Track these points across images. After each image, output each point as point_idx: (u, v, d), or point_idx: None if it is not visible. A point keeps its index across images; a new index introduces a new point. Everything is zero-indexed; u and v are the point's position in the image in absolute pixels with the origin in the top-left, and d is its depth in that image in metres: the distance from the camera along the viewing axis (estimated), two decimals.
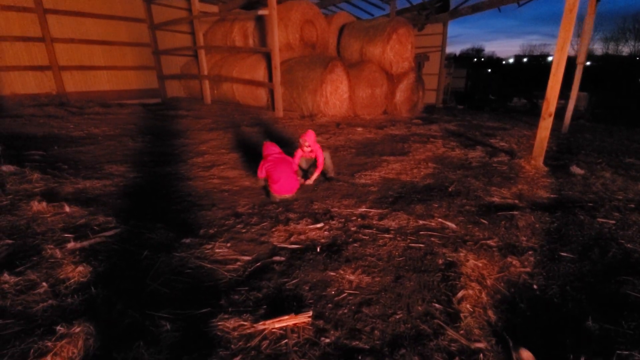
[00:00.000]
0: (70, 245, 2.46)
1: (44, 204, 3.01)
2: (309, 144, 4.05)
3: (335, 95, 9.58)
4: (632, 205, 3.73)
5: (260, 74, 10.05)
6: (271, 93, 9.70)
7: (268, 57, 9.51)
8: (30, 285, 2.02)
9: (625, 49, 36.06)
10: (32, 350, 1.55)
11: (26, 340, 1.61)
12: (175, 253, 2.50)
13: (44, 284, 2.03)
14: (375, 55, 10.71)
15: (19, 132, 5.78)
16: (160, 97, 12.00)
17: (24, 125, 6.33)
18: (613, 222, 3.30)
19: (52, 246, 2.42)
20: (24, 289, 1.99)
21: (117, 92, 10.69)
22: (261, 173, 3.68)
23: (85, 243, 2.51)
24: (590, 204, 3.73)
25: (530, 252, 2.69)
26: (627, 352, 1.69)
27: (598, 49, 38.73)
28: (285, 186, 3.57)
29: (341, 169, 4.92)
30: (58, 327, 1.66)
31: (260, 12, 8.59)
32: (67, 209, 3.01)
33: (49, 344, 1.58)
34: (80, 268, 2.18)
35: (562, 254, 2.69)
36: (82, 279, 2.11)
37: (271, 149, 3.80)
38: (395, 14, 15.13)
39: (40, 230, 2.67)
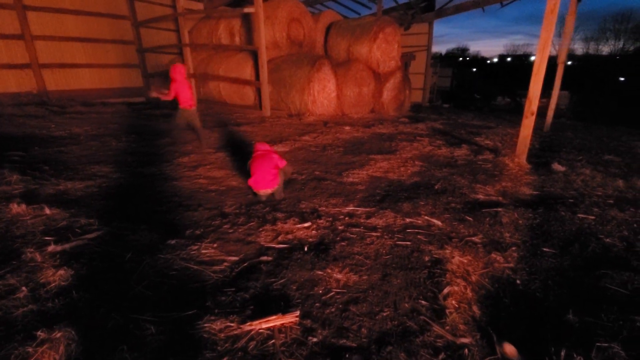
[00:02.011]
0: (51, 248, 2.40)
1: (24, 206, 2.93)
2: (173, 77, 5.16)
3: (322, 94, 9.59)
4: (611, 201, 3.85)
5: (247, 72, 9.97)
6: (258, 92, 9.64)
7: (255, 56, 9.44)
8: (9, 289, 1.96)
9: (605, 49, 37.02)
10: (12, 357, 1.51)
11: (6, 346, 1.57)
12: (160, 255, 2.46)
13: (24, 288, 1.97)
14: (363, 54, 10.76)
15: None
16: (145, 96, 11.78)
17: (3, 125, 6.13)
18: (593, 217, 3.39)
19: (32, 249, 2.35)
20: (3, 293, 1.93)
21: (100, 90, 10.46)
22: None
23: (67, 246, 2.45)
24: (571, 200, 3.83)
25: (513, 248, 2.75)
26: (606, 344, 1.75)
27: (579, 48, 39.67)
28: (259, 181, 3.52)
29: (329, 167, 4.93)
30: (38, 333, 1.62)
31: (247, 9, 8.51)
32: (47, 211, 2.93)
33: (30, 349, 1.54)
34: (61, 272, 2.13)
35: (544, 249, 2.76)
36: (63, 283, 2.06)
37: (258, 147, 3.78)
38: (382, 13, 15.21)
39: (20, 233, 2.59)
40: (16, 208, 2.89)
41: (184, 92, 5.26)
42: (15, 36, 8.40)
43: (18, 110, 7.39)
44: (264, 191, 3.60)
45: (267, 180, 3.55)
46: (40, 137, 5.59)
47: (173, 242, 2.63)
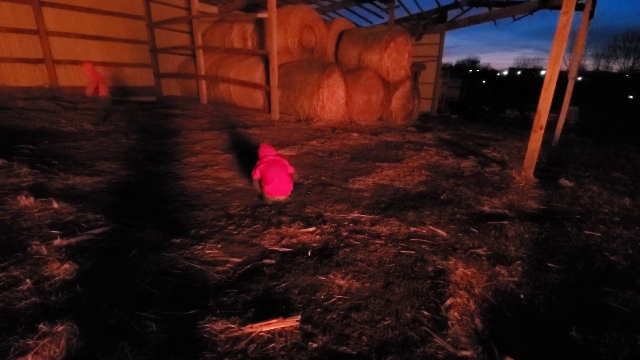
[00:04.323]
0: (57, 242, 2.42)
1: (32, 199, 2.96)
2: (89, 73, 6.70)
3: (331, 100, 9.63)
4: (617, 219, 3.80)
5: (258, 76, 10.06)
6: (268, 95, 9.71)
7: (266, 60, 9.53)
8: (13, 281, 1.98)
9: (615, 66, 36.99)
10: (12, 349, 1.51)
11: (7, 338, 1.57)
12: (165, 253, 2.47)
13: (28, 280, 1.99)
14: (373, 62, 10.81)
15: (8, 125, 5.69)
16: (156, 95, 11.92)
17: (13, 118, 6.24)
18: (599, 234, 3.35)
19: (37, 242, 2.38)
20: (7, 285, 1.94)
21: (113, 88, 10.54)
22: (256, 174, 3.66)
23: (73, 240, 2.47)
24: (578, 216, 3.79)
25: (518, 262, 2.72)
26: None
27: (589, 65, 39.60)
28: (278, 188, 3.56)
29: (335, 173, 4.93)
30: (40, 326, 1.62)
31: (260, 15, 8.62)
32: (55, 204, 2.96)
33: (30, 342, 1.54)
34: (66, 265, 2.15)
35: (549, 264, 2.73)
36: (67, 277, 2.07)
37: (267, 151, 3.79)
38: (394, 22, 15.29)
39: (26, 225, 2.62)
40: (24, 200, 2.93)
41: (101, 86, 7.04)
42: (30, 31, 8.56)
43: (29, 104, 7.52)
44: (279, 197, 3.63)
45: (284, 187, 3.60)
46: (50, 132, 5.68)
47: (178, 240, 2.65)
